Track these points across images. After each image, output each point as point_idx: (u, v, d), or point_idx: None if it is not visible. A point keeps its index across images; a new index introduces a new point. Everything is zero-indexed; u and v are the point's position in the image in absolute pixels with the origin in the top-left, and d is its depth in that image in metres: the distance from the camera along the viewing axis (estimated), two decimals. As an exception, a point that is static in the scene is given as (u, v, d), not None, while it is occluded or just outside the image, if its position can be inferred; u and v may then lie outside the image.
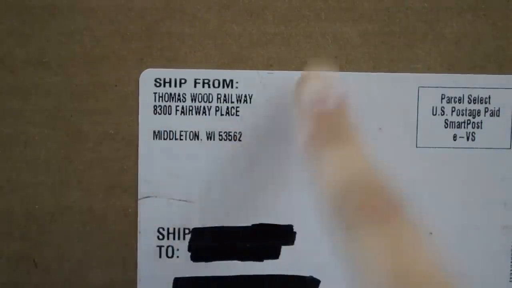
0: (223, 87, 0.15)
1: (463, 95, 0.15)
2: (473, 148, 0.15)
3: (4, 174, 0.15)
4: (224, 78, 0.14)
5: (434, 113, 0.15)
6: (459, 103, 0.15)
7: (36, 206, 0.15)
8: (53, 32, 0.14)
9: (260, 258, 0.15)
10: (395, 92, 0.15)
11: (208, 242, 0.15)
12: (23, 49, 0.14)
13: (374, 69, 0.15)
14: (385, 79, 0.15)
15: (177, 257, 0.15)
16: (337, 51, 0.15)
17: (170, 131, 0.15)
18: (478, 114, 0.15)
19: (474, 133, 0.15)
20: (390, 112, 0.15)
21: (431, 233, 0.15)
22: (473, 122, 0.15)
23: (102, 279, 0.15)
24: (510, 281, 0.15)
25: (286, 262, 0.15)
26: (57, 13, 0.14)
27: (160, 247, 0.15)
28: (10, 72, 0.14)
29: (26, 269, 0.15)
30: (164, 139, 0.15)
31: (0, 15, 0.14)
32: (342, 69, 0.14)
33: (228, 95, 0.15)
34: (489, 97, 0.15)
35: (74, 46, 0.14)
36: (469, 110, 0.15)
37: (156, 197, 0.15)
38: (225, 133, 0.15)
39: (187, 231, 0.15)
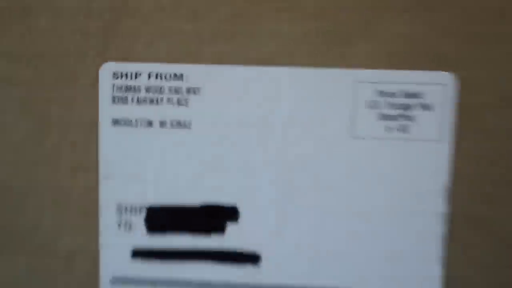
0: (174, 79, 0.16)
1: (397, 90, 0.16)
2: (406, 140, 0.16)
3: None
4: (174, 72, 0.16)
5: (369, 107, 0.16)
6: (393, 97, 0.16)
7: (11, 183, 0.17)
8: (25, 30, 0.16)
9: (208, 233, 0.17)
10: (333, 86, 0.16)
11: (162, 218, 0.17)
12: None
13: (315, 65, 0.16)
14: (324, 74, 0.16)
15: (135, 230, 0.17)
16: (279, 47, 0.16)
17: (127, 119, 0.16)
18: (411, 108, 0.16)
19: (407, 126, 0.16)
20: (328, 105, 0.16)
21: (366, 217, 0.16)
22: (406, 115, 0.16)
23: (70, 246, 0.17)
24: (441, 264, 0.16)
25: (231, 238, 0.17)
26: (28, 13, 0.16)
27: (120, 221, 0.17)
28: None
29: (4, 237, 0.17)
30: (121, 126, 0.16)
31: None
32: (284, 65, 0.16)
33: (179, 87, 0.16)
34: (422, 93, 0.15)
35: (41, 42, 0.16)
36: (402, 104, 0.16)
37: (114, 178, 0.17)
38: (176, 122, 0.16)
39: (143, 207, 0.17)
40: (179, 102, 0.16)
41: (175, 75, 0.16)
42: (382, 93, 0.15)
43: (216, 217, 0.17)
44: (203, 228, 0.17)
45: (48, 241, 0.17)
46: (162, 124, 0.16)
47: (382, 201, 0.16)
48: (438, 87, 0.15)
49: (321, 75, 0.16)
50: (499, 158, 0.16)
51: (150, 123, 0.16)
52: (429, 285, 0.16)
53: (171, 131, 0.16)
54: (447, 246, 0.16)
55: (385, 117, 0.16)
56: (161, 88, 0.16)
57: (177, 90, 0.16)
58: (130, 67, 0.16)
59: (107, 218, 0.17)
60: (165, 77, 0.16)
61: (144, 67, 0.16)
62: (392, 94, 0.15)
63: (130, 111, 0.16)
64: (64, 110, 0.16)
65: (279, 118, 0.16)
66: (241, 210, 0.17)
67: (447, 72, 0.15)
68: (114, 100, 0.16)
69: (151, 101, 0.16)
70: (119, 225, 0.17)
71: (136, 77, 0.16)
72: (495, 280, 0.16)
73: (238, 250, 0.17)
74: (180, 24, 0.16)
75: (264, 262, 0.17)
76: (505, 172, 0.16)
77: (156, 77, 0.16)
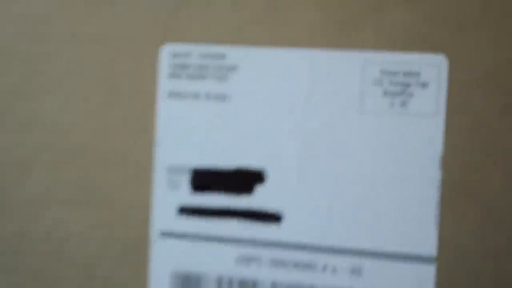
0: (217, 59, 0.20)
1: (398, 70, 0.19)
2: (405, 114, 0.19)
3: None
4: (218, 52, 0.20)
5: (375, 84, 0.19)
6: (395, 76, 0.19)
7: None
8: (104, 15, 0.21)
9: (239, 193, 0.20)
10: (344, 66, 0.19)
11: (203, 179, 0.20)
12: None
13: (330, 47, 0.19)
14: (337, 56, 0.19)
15: (181, 189, 0.20)
16: (301, 32, 0.19)
17: (179, 92, 0.20)
18: (410, 85, 0.19)
19: (407, 102, 0.19)
20: (340, 83, 0.19)
21: (371, 182, 0.19)
22: (406, 92, 0.19)
23: (128, 201, 0.21)
24: (436, 227, 0.19)
25: (258, 198, 0.20)
26: (107, 2, 0.21)
27: (169, 180, 0.20)
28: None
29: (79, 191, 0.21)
30: (175, 98, 0.20)
31: None
32: (304, 47, 0.19)
33: (221, 65, 0.20)
34: (419, 72, 0.19)
35: (116, 26, 0.21)
36: (403, 82, 0.19)
37: (166, 142, 0.20)
38: (218, 95, 0.20)
39: (189, 169, 0.20)
40: (220, 78, 0.20)
41: (218, 55, 0.20)
42: (386, 73, 0.19)
43: (246, 179, 0.20)
44: (235, 189, 0.20)
45: (110, 195, 0.21)
46: (207, 96, 0.20)
47: (385, 168, 0.19)
48: (433, 68, 0.18)
49: (335, 56, 0.19)
50: (486, 130, 0.18)
51: (197, 96, 0.20)
52: (425, 246, 0.19)
53: (214, 103, 0.20)
54: (440, 210, 0.19)
55: (388, 93, 0.19)
56: (206, 66, 0.20)
57: (219, 68, 0.20)
58: (183, 48, 0.20)
59: (158, 177, 0.20)
60: (210, 57, 0.20)
61: (194, 48, 0.20)
62: (394, 74, 0.19)
63: (182, 85, 0.20)
64: (130, 83, 0.20)
65: (301, 93, 0.19)
66: (268, 173, 0.20)
67: (440, 54, 0.18)
68: (170, 75, 0.20)
69: (198, 77, 0.20)
70: (168, 184, 0.20)
71: (187, 57, 0.20)
72: (483, 244, 0.19)
73: (263, 210, 0.20)
74: (223, 12, 0.20)
75: (286, 221, 0.20)
76: (492, 142, 0.18)
77: (203, 57, 0.20)
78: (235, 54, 0.20)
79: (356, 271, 0.19)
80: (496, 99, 0.18)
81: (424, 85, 0.18)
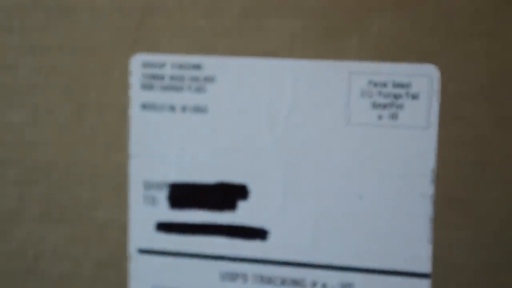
0: (193, 69, 0.18)
1: (387, 80, 0.17)
2: (395, 126, 0.18)
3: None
4: (193, 62, 0.18)
5: (363, 96, 0.18)
6: (384, 87, 0.18)
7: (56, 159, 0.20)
8: (69, 25, 0.19)
9: (221, 209, 0.19)
10: (330, 77, 0.18)
11: (182, 195, 0.19)
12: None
13: (313, 57, 0.18)
14: (322, 66, 0.18)
15: (159, 205, 0.19)
16: (282, 42, 0.18)
17: (153, 104, 0.19)
18: (400, 97, 0.17)
19: (397, 114, 0.18)
20: (326, 94, 0.18)
21: (360, 197, 0.18)
22: (396, 104, 0.18)
23: (104, 217, 0.20)
24: (430, 243, 0.18)
25: (241, 214, 0.19)
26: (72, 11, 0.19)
27: (146, 196, 0.19)
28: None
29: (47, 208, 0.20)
30: (149, 110, 0.19)
31: None
32: (286, 57, 0.18)
33: (197, 76, 0.18)
34: (409, 83, 0.17)
35: (82, 36, 0.19)
36: (392, 93, 0.18)
37: (141, 157, 0.19)
38: (195, 107, 0.19)
39: (166, 184, 0.19)
40: (197, 89, 0.18)
41: (194, 65, 0.18)
42: (374, 84, 0.17)
43: (228, 194, 0.19)
44: (217, 204, 0.19)
45: (85, 212, 0.20)
46: (183, 109, 0.19)
47: (375, 183, 0.18)
48: (424, 78, 0.17)
49: (319, 67, 0.18)
50: (480, 142, 0.17)
51: (172, 108, 0.19)
52: (418, 262, 0.18)
53: (190, 116, 0.19)
54: (433, 227, 0.18)
55: (377, 105, 0.18)
56: (182, 77, 0.18)
57: (195, 79, 0.18)
58: (156, 58, 0.18)
59: (135, 193, 0.19)
60: (185, 67, 0.18)
61: (168, 58, 0.18)
62: (383, 85, 0.17)
63: (156, 97, 0.19)
64: (100, 96, 0.19)
65: (284, 105, 0.18)
66: (251, 188, 0.19)
67: (431, 65, 0.17)
68: (142, 87, 0.19)
69: (174, 88, 0.18)
70: (145, 200, 0.19)
71: (161, 67, 0.18)
72: (478, 258, 0.18)
73: (247, 225, 0.19)
74: (197, 20, 0.18)
75: (271, 237, 0.19)
76: (485, 154, 0.17)
77: (178, 67, 0.18)
78: (211, 64, 0.18)
79: (347, 287, 0.18)
80: (490, 111, 0.17)
81: (414, 96, 0.17)
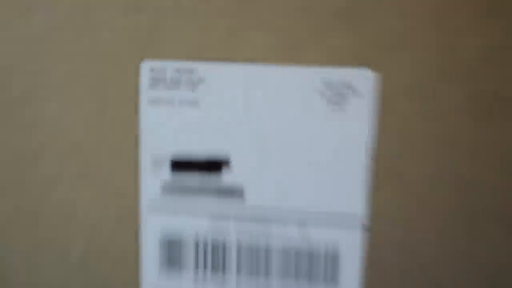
0: (188, 73, 0.24)
1: (338, 82, 0.23)
2: (343, 117, 0.24)
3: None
4: (188, 67, 0.24)
5: (318, 92, 0.24)
6: (334, 86, 0.23)
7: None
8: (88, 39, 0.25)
9: (209, 173, 0.25)
10: (292, 79, 0.24)
11: (180, 163, 0.25)
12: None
13: (279, 63, 0.24)
14: (286, 71, 0.24)
15: (164, 171, 0.26)
16: (255, 52, 0.24)
17: (158, 99, 0.25)
18: (347, 93, 0.23)
19: (345, 108, 0.24)
20: (289, 92, 0.24)
21: (314, 165, 0.24)
22: (343, 99, 0.24)
23: (121, 182, 0.26)
24: (365, 197, 0.25)
25: (224, 179, 0.25)
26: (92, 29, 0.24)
27: (154, 163, 0.25)
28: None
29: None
30: (155, 105, 0.25)
31: None
32: (258, 62, 0.24)
33: (191, 78, 0.24)
34: (354, 83, 0.23)
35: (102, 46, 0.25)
36: (340, 91, 0.23)
37: (150, 137, 0.25)
38: (189, 102, 0.24)
39: (169, 157, 0.25)
40: (191, 88, 0.24)
41: (188, 69, 0.24)
42: (327, 84, 0.23)
43: (214, 164, 0.25)
44: (206, 171, 0.25)
45: (106, 179, 0.26)
46: (181, 103, 0.24)
47: (327, 155, 0.24)
48: (364, 79, 0.23)
49: (285, 71, 0.24)
50: (409, 130, 0.24)
51: (172, 102, 0.24)
52: (355, 205, 0.25)
53: (186, 108, 0.24)
54: (371, 195, 0.24)
55: (330, 101, 0.24)
56: (179, 79, 0.24)
57: (189, 80, 0.24)
58: (159, 64, 0.24)
59: (145, 164, 0.25)
60: (182, 71, 0.24)
61: (168, 64, 0.24)
62: (334, 85, 0.23)
63: (160, 94, 0.24)
64: (116, 94, 0.25)
65: (257, 99, 0.24)
66: (232, 160, 0.25)
67: (371, 70, 0.23)
68: (150, 86, 0.24)
69: (173, 87, 0.24)
70: (152, 169, 0.25)
71: (163, 71, 0.24)
72: (403, 214, 0.25)
73: (229, 187, 0.25)
74: (192, 35, 0.24)
75: (247, 195, 0.25)
76: (412, 137, 0.24)
77: (176, 71, 0.24)
78: (202, 68, 0.24)
79: (302, 224, 0.25)
80: (420, 106, 0.23)
81: (357, 93, 0.23)
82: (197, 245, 0.26)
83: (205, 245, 0.26)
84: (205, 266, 0.26)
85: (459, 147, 0.24)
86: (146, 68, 0.24)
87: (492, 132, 0.23)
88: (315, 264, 0.25)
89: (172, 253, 0.26)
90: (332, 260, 0.25)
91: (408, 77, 0.23)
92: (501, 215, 0.24)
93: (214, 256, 0.26)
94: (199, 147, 0.25)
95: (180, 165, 0.25)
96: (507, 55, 0.23)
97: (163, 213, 0.26)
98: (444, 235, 0.24)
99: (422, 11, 0.23)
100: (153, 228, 0.26)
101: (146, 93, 0.25)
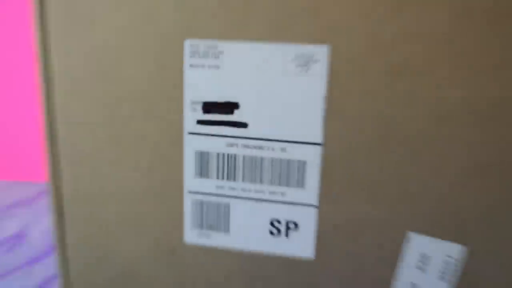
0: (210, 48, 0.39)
1: (305, 53, 0.38)
2: (307, 75, 0.38)
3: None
4: (210, 44, 0.39)
5: (293, 62, 0.38)
6: (302, 56, 0.38)
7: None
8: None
9: (226, 113, 0.40)
10: (275, 52, 0.38)
11: (209, 107, 0.40)
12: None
13: (272, 39, 0.38)
14: (271, 46, 0.38)
15: (199, 111, 0.41)
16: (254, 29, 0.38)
17: (198, 64, 0.40)
18: (310, 60, 0.38)
19: (307, 69, 0.38)
20: (273, 59, 0.38)
21: (285, 106, 0.39)
22: (308, 64, 0.38)
23: (168, 123, 0.42)
24: (322, 124, 0.39)
25: (235, 116, 0.40)
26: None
27: (192, 104, 0.41)
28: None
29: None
30: (195, 67, 0.40)
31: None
32: (262, 40, 0.38)
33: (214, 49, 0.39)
34: (314, 55, 0.38)
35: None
36: (306, 59, 0.38)
37: (191, 91, 0.40)
38: (214, 66, 0.40)
39: (201, 101, 0.41)
40: (214, 57, 0.39)
41: (213, 45, 0.39)
42: (297, 55, 0.38)
43: (229, 106, 0.40)
44: (224, 112, 0.40)
45: (162, 119, 0.42)
46: (209, 67, 0.39)
47: (298, 101, 0.39)
48: (322, 52, 0.37)
49: (271, 47, 0.38)
50: (356, 103, 0.38)
51: (203, 66, 0.39)
52: (313, 135, 0.39)
53: (212, 70, 0.39)
54: (325, 125, 0.39)
55: (299, 64, 0.38)
56: (207, 51, 0.39)
57: (214, 52, 0.39)
58: (195, 42, 0.39)
59: (186, 107, 0.41)
60: (209, 46, 0.39)
61: (200, 42, 0.39)
62: (301, 55, 0.38)
63: (195, 61, 0.39)
64: (170, 61, 0.40)
65: (255, 67, 0.39)
66: (240, 104, 0.40)
67: (326, 46, 0.37)
68: (190, 56, 0.39)
69: (204, 56, 0.39)
70: (191, 109, 0.41)
71: (197, 47, 0.39)
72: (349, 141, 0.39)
73: (237, 121, 0.40)
74: (214, 20, 0.39)
75: (249, 126, 0.40)
76: (358, 112, 0.38)
77: (205, 46, 0.39)
78: (222, 45, 0.39)
79: (283, 150, 0.40)
80: (360, 80, 0.37)
81: (316, 62, 0.38)
82: (217, 157, 0.41)
83: (223, 157, 0.41)
84: (222, 173, 0.41)
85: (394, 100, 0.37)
86: (187, 44, 0.39)
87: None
88: (291, 171, 0.40)
89: (202, 163, 0.42)
90: (302, 167, 0.40)
91: (355, 50, 0.37)
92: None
93: (229, 165, 0.41)
94: (220, 95, 0.40)
95: (208, 106, 0.40)
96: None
97: (197, 136, 0.41)
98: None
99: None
100: (191, 146, 0.42)
101: (188, 60, 0.40)
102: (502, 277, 0.39)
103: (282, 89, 0.39)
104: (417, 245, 0.39)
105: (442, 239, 0.39)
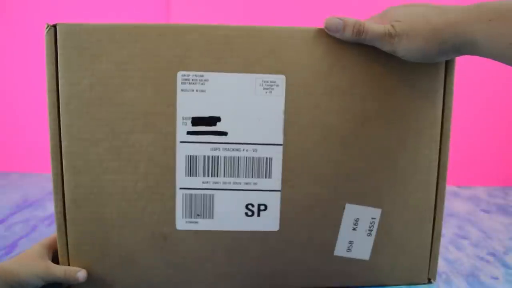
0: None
1: (269, 79, 0.52)
2: (272, 96, 0.53)
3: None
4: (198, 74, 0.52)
5: (261, 86, 0.52)
6: (267, 82, 0.52)
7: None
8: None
9: (210, 126, 0.53)
10: (246, 80, 0.52)
11: (197, 121, 0.53)
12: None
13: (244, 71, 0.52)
14: (246, 76, 0.52)
15: (188, 124, 0.53)
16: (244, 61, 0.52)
17: (187, 89, 0.52)
18: (273, 84, 0.52)
19: (271, 91, 0.52)
20: (246, 85, 0.52)
21: (259, 120, 0.53)
22: (271, 88, 0.52)
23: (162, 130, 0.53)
24: (283, 129, 0.54)
25: (217, 127, 0.53)
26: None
27: (184, 122, 0.53)
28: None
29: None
30: (185, 90, 0.52)
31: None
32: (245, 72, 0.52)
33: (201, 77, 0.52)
34: (276, 80, 0.52)
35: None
36: (270, 84, 0.52)
37: (182, 107, 0.52)
38: (200, 90, 0.52)
39: (190, 118, 0.53)
40: (202, 83, 0.52)
41: (200, 75, 0.52)
42: (264, 81, 0.52)
43: (213, 120, 0.53)
44: (208, 124, 0.53)
45: (159, 119, 0.53)
46: (197, 90, 0.52)
47: (263, 115, 0.53)
48: (281, 80, 0.52)
49: (244, 76, 0.52)
50: (312, 108, 0.53)
51: (192, 90, 0.52)
52: (275, 137, 0.54)
53: (198, 93, 0.52)
54: (285, 131, 0.53)
55: (266, 87, 0.52)
56: (195, 79, 0.52)
57: (201, 80, 0.52)
58: (186, 73, 0.51)
59: (179, 119, 0.53)
60: (196, 76, 0.52)
61: (191, 73, 0.51)
62: (267, 81, 0.52)
63: (186, 86, 0.52)
64: (167, 86, 0.52)
65: (231, 91, 0.52)
66: (221, 118, 0.53)
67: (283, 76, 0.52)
68: (182, 83, 0.51)
69: (193, 83, 0.52)
70: (184, 124, 0.53)
71: (188, 76, 0.51)
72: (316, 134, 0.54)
73: (218, 130, 0.53)
74: (201, 56, 0.51)
75: (229, 134, 0.53)
76: (317, 120, 0.53)
77: (195, 76, 0.52)
78: (207, 75, 0.52)
79: (255, 150, 0.54)
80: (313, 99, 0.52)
81: (277, 85, 0.52)
82: (204, 159, 0.54)
83: (208, 158, 0.54)
84: (208, 171, 0.54)
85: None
86: (180, 75, 0.52)
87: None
88: (261, 166, 0.54)
89: (191, 165, 0.54)
90: (269, 163, 0.54)
91: (304, 78, 0.52)
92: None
93: (213, 164, 0.54)
94: (205, 112, 0.53)
95: (196, 120, 0.53)
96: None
97: (188, 144, 0.53)
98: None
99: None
100: (183, 152, 0.53)
101: (180, 86, 0.52)
102: (406, 231, 0.57)
103: (253, 106, 0.53)
104: (351, 212, 0.55)
105: (367, 206, 0.56)
